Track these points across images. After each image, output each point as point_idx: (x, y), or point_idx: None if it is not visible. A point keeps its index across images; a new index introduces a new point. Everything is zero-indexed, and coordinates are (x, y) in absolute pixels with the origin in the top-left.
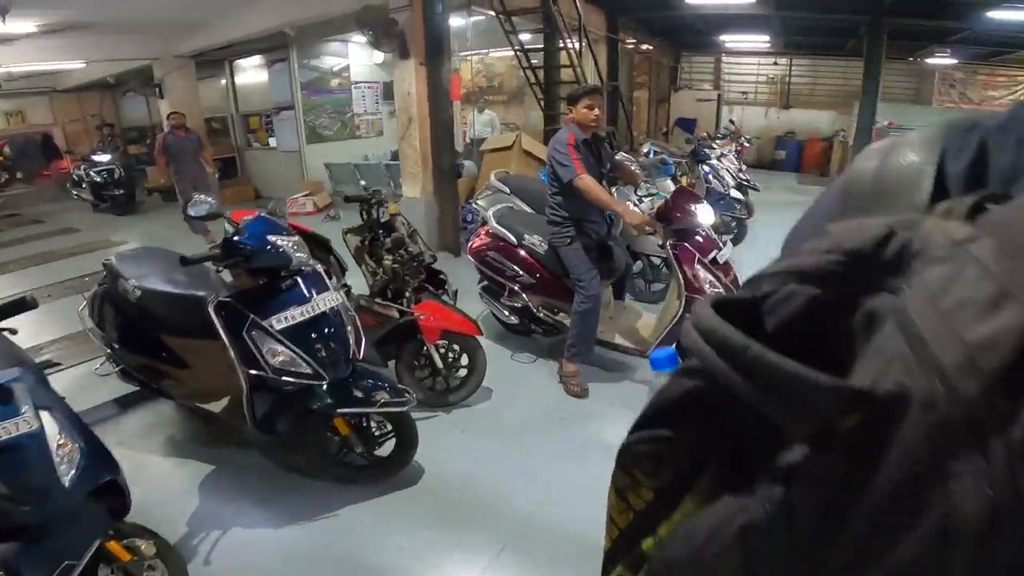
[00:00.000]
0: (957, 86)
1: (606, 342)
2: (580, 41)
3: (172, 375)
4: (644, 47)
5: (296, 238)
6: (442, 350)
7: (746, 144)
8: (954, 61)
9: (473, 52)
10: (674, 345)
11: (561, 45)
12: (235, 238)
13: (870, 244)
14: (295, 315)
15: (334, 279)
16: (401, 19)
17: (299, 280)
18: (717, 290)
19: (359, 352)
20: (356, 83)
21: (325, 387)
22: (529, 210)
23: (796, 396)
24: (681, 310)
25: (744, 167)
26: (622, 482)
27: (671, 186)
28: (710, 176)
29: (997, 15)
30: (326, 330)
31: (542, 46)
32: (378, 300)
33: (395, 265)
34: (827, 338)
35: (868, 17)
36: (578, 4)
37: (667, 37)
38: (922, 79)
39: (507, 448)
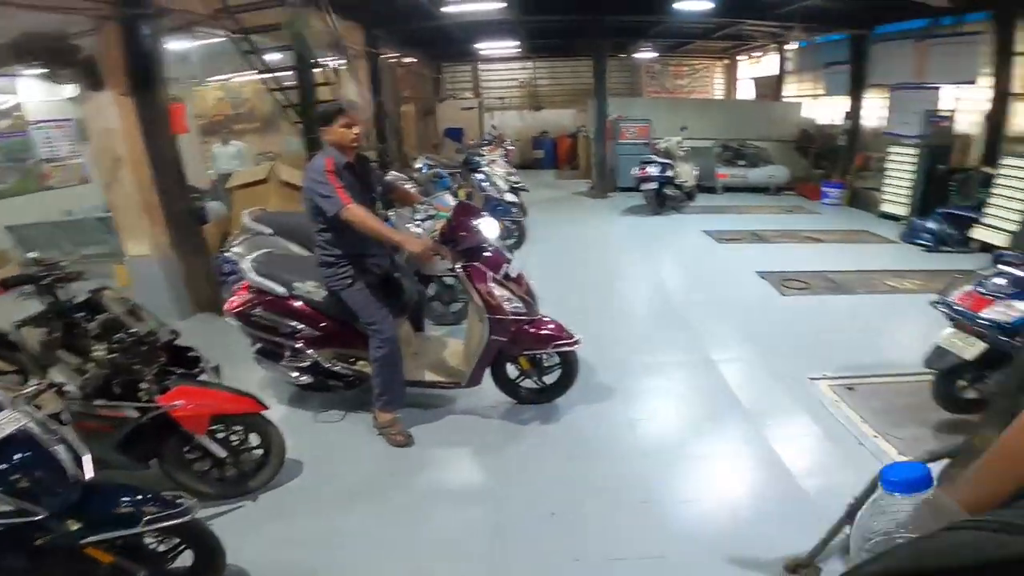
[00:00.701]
0: (657, 78)
1: (417, 381)
2: (338, 58)
3: None
4: (406, 60)
5: None
6: (220, 435)
7: (510, 147)
8: (654, 55)
9: (206, 79)
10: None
11: (315, 62)
12: None
13: None
14: None
15: (31, 382)
16: (87, 45)
17: None
18: (516, 306)
19: (84, 471)
20: (37, 123)
21: (57, 516)
22: (300, 251)
23: None
24: (487, 334)
25: (512, 170)
26: None
27: (450, 201)
28: (484, 184)
29: (681, 6)
30: (17, 457)
31: (294, 65)
32: (100, 401)
33: (113, 355)
34: None
35: (592, 16)
36: (332, 20)
37: (427, 48)
38: (633, 73)
39: (339, 524)
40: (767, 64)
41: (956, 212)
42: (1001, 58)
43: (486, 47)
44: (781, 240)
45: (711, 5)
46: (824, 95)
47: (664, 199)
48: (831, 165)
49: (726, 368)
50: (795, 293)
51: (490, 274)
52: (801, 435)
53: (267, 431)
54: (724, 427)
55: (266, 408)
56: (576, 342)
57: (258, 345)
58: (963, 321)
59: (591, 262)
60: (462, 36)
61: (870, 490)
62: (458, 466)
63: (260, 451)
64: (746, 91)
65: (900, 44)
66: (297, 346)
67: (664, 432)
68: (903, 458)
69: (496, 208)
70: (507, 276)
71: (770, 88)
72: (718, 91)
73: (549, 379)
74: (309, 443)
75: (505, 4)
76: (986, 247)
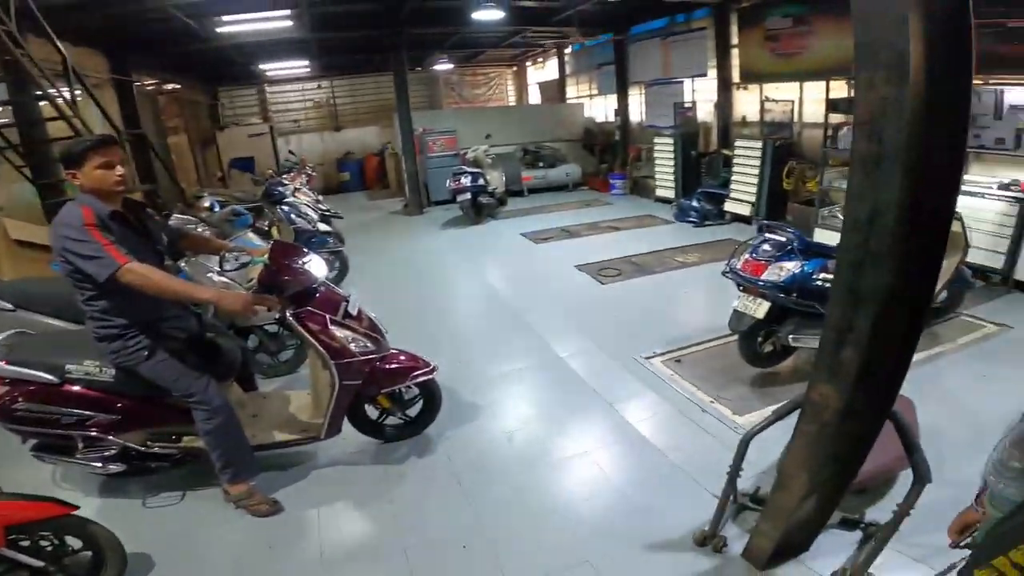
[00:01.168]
0: (456, 88)
1: (266, 445)
2: (72, 88)
3: None
4: (170, 86)
5: None
6: (26, 543)
7: (312, 173)
8: (451, 66)
9: None
10: None
11: (40, 94)
12: None
13: None
14: None
15: None
16: None
17: None
18: (363, 345)
19: None
20: None
21: None
22: (61, 323)
23: None
24: (337, 381)
25: (319, 197)
26: None
27: (258, 241)
28: (293, 216)
29: (479, 16)
30: None
31: (8, 98)
32: None
33: None
34: None
35: (390, 30)
36: (60, 45)
37: (197, 72)
38: (432, 86)
39: None
40: (550, 69)
41: (710, 190)
42: (721, 51)
43: (273, 68)
44: (587, 233)
45: (502, 14)
46: (598, 95)
47: (480, 208)
48: (612, 159)
49: (574, 362)
50: (611, 280)
51: (328, 317)
52: (656, 413)
53: (87, 530)
54: (591, 419)
55: (73, 508)
56: (433, 369)
57: (34, 441)
58: (749, 285)
59: (424, 282)
60: (241, 58)
61: (740, 456)
62: (345, 523)
63: (88, 553)
64: (534, 96)
65: (650, 43)
66: (92, 434)
67: (541, 437)
68: (738, 419)
69: (311, 241)
70: (347, 314)
71: (554, 91)
72: (512, 98)
73: (413, 411)
74: (151, 533)
75: (292, 23)
76: (736, 217)
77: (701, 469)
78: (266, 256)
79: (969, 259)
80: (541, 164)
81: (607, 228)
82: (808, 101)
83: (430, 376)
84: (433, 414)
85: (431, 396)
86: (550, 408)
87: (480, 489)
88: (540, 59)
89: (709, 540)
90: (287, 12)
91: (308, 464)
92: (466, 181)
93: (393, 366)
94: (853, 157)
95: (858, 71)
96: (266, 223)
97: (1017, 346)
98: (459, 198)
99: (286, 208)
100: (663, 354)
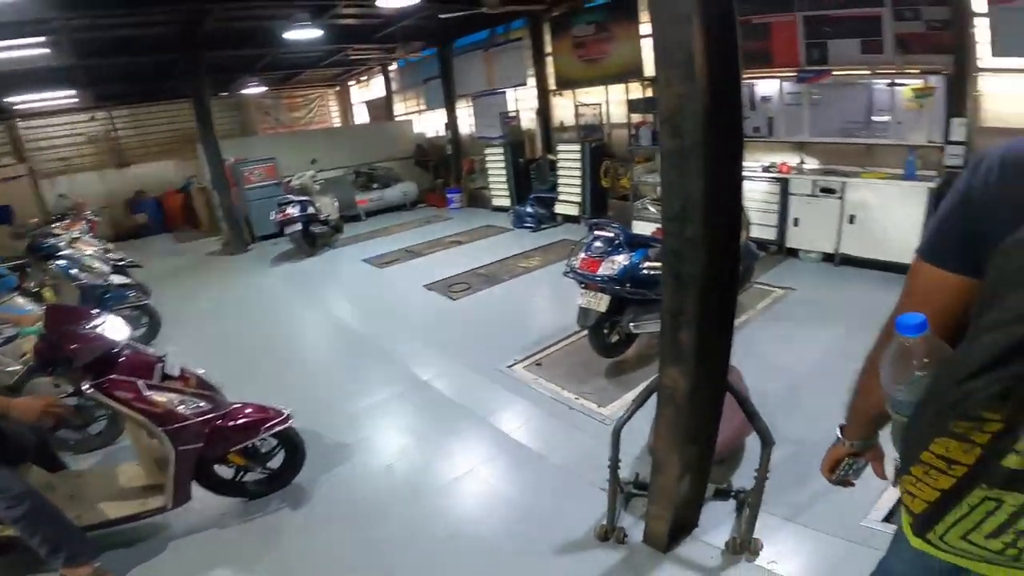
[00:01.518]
0: (271, 113)
1: (103, 523)
2: None
3: None
4: None
5: None
6: None
7: (94, 218)
8: (263, 89)
9: None
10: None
11: None
12: None
13: None
14: None
15: None
16: None
17: None
18: (195, 406)
19: None
20: None
21: None
22: None
23: None
24: (172, 448)
25: (108, 245)
26: (962, 428)
27: (28, 307)
28: (74, 270)
29: (291, 36)
30: None
31: None
32: None
33: None
34: None
35: (185, 54)
36: None
37: None
38: (242, 111)
39: None
40: (375, 87)
41: (541, 195)
42: (538, 60)
43: (26, 101)
44: (431, 250)
45: (320, 33)
46: (427, 110)
47: (313, 238)
48: (447, 173)
49: (439, 383)
50: (462, 295)
51: (140, 382)
52: (529, 419)
53: None
54: (468, 436)
55: None
56: (287, 417)
57: None
58: (588, 282)
59: (261, 326)
60: None
61: (616, 448)
62: None
63: None
64: (361, 116)
65: (473, 56)
66: None
67: (422, 464)
68: (604, 411)
69: (104, 297)
70: (166, 376)
71: (381, 110)
72: (336, 119)
73: (275, 463)
74: None
75: (48, 50)
76: (567, 218)
77: (583, 465)
78: (40, 324)
79: (751, 234)
80: (376, 185)
81: (450, 243)
82: (613, 103)
83: (285, 425)
84: (298, 463)
85: (292, 445)
86: (424, 433)
87: (372, 528)
88: (364, 77)
89: (610, 534)
90: (40, 39)
91: (162, 536)
92: (294, 211)
93: (239, 421)
94: (662, 152)
95: (658, 70)
96: (32, 284)
97: (803, 304)
98: (287, 230)
99: (63, 263)
100: (523, 360)
